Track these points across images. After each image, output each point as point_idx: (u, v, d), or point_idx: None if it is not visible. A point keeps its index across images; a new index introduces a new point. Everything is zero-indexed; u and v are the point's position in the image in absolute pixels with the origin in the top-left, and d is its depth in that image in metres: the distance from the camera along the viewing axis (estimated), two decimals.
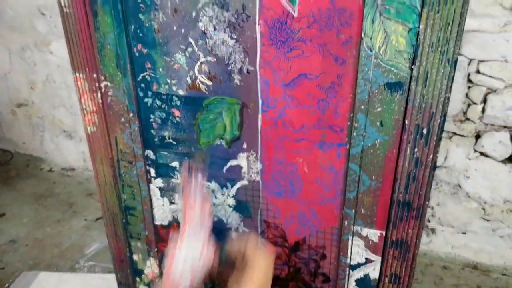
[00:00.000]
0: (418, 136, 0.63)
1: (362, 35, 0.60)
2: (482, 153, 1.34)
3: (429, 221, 1.50)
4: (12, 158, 2.23)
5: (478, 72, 1.26)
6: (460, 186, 1.41)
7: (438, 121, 0.62)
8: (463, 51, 1.26)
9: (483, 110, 1.29)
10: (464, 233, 1.46)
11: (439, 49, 0.58)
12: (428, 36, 0.57)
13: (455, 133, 1.35)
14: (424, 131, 0.63)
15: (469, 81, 1.28)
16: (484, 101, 1.29)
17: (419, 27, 0.57)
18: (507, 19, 1.19)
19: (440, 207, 1.46)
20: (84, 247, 1.51)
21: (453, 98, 1.31)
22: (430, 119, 0.62)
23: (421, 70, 0.59)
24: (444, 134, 1.37)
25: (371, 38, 0.60)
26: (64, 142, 2.10)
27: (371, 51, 0.61)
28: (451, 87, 0.60)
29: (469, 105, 1.31)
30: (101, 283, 1.34)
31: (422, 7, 0.56)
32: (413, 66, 0.60)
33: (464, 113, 1.32)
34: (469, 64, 1.27)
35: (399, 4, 0.57)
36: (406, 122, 0.63)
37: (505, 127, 1.29)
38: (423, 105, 0.61)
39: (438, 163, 1.41)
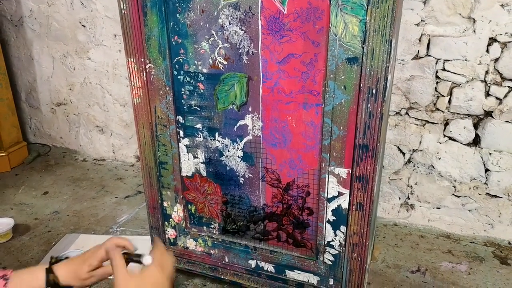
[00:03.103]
0: (369, 95, 0.91)
1: (330, 25, 0.89)
2: (450, 138, 1.60)
3: (408, 198, 1.74)
4: (50, 150, 2.55)
5: (444, 69, 1.53)
6: (433, 167, 1.65)
7: (383, 84, 0.89)
8: (431, 52, 1.54)
9: (450, 101, 1.56)
10: (438, 208, 1.70)
11: (380, 33, 0.86)
12: (372, 25, 0.85)
13: (427, 121, 1.61)
14: (374, 91, 0.90)
15: (437, 77, 1.55)
16: (450, 93, 1.55)
17: (366, 18, 0.86)
18: (465, 26, 1.47)
19: (417, 186, 1.71)
20: (116, 217, 1.78)
21: (425, 91, 1.58)
22: (377, 82, 0.89)
23: (369, 48, 0.87)
24: (418, 122, 1.64)
25: (335, 27, 0.88)
26: (97, 136, 2.41)
27: (336, 36, 0.89)
28: (389, 59, 0.87)
29: (438, 97, 1.57)
30: None
31: (368, 5, 0.85)
32: (363, 46, 0.88)
33: (434, 104, 1.58)
34: (436, 63, 1.54)
35: (353, 4, 0.86)
36: (361, 85, 0.90)
37: (468, 115, 1.55)
38: (372, 73, 0.89)
39: (414, 147, 1.66)
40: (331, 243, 1.09)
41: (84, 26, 2.20)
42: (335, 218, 1.06)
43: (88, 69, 2.28)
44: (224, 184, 1.16)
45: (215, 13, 0.98)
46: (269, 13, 0.93)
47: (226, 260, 1.25)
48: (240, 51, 1.00)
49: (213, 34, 1.01)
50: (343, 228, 1.06)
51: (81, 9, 2.17)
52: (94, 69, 2.26)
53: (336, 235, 1.07)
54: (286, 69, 0.97)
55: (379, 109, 0.91)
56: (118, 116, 2.31)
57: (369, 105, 0.91)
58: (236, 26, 0.98)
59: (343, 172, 1.00)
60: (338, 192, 1.02)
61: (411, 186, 1.73)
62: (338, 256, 1.09)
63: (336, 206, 1.04)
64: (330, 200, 1.04)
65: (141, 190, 2.01)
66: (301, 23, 0.92)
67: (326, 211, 1.06)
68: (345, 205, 1.03)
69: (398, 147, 1.70)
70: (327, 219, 1.07)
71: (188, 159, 1.18)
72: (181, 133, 1.15)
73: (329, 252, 1.10)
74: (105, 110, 2.32)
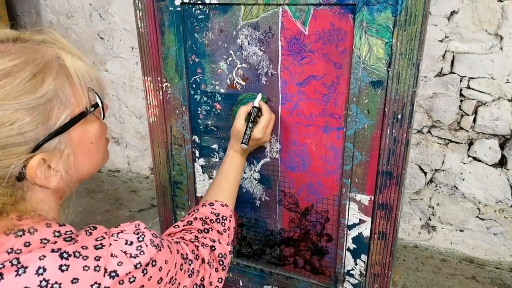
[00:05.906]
0: (394, 120, 0.86)
1: (353, 47, 0.85)
2: (475, 158, 1.53)
3: (430, 220, 1.68)
4: None
5: (468, 87, 1.48)
6: (456, 188, 1.59)
7: (409, 109, 0.85)
8: (456, 69, 1.48)
9: (475, 120, 1.50)
10: (461, 230, 1.63)
11: (407, 56, 0.81)
12: (398, 48, 0.82)
13: (450, 140, 1.55)
14: (399, 116, 0.86)
15: (462, 95, 1.50)
16: (475, 112, 1.49)
17: (392, 41, 0.82)
18: (492, 43, 1.41)
19: (439, 207, 1.64)
20: None
21: (448, 109, 1.53)
22: (403, 107, 0.85)
23: (395, 71, 0.83)
24: (440, 141, 1.58)
25: (359, 49, 0.85)
26: (112, 147, 2.41)
27: (359, 58, 0.85)
28: (416, 83, 0.83)
29: (462, 116, 1.51)
30: None
31: (394, 27, 0.81)
32: (389, 69, 0.84)
33: (458, 123, 1.53)
34: (461, 81, 1.48)
35: (378, 26, 0.82)
36: (386, 110, 0.86)
37: (494, 135, 1.49)
38: (397, 97, 0.85)
39: (436, 167, 1.60)
40: (351, 272, 1.04)
41: (102, 38, 2.21)
42: (355, 246, 1.01)
43: (105, 80, 2.28)
44: (240, 206, 1.13)
45: (234, 33, 0.95)
46: (289, 33, 0.90)
47: (241, 284, 1.21)
48: (259, 71, 0.97)
49: (232, 54, 0.98)
50: (364, 257, 1.01)
51: (100, 22, 2.18)
52: (111, 81, 2.26)
53: (356, 264, 1.03)
54: (307, 91, 0.94)
55: (405, 135, 0.87)
56: (133, 128, 2.31)
57: (394, 131, 0.87)
58: (255, 46, 0.95)
59: (365, 199, 0.96)
60: (360, 219, 0.98)
61: (433, 207, 1.66)
62: (358, 286, 1.04)
63: (357, 234, 1.00)
64: (350, 227, 1.00)
65: (155, 204, 2.00)
66: (322, 45, 0.88)
67: (346, 239, 1.01)
68: (366, 233, 0.98)
69: (420, 166, 1.64)
70: (347, 247, 1.02)
71: (204, 180, 1.15)
72: (197, 153, 1.13)
73: (348, 281, 1.05)
74: (121, 121, 2.32)
